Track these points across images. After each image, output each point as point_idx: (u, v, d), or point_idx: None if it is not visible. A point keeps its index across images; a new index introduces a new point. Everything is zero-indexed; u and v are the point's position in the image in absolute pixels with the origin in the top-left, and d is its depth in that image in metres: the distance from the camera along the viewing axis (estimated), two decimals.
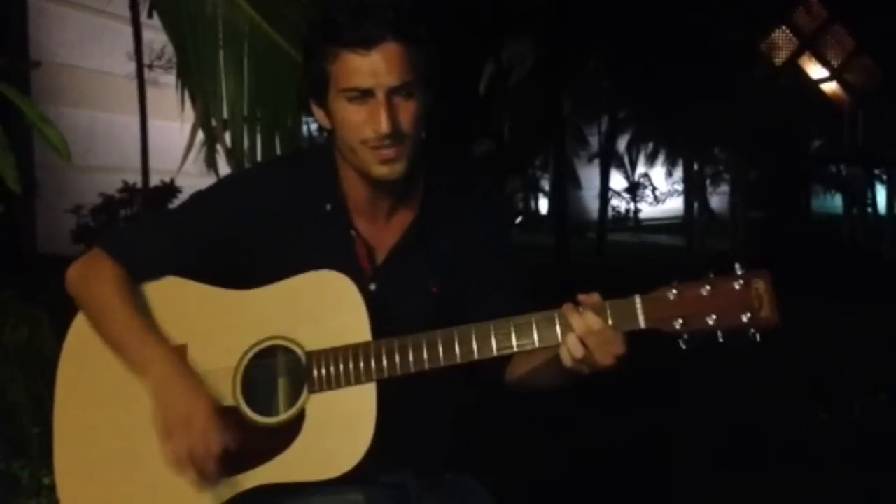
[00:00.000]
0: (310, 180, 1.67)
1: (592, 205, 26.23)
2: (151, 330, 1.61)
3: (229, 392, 1.58)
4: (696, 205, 22.72)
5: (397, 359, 1.51)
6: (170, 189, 10.66)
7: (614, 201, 29.02)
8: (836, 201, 19.28)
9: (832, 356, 5.63)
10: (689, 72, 15.03)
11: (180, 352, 1.61)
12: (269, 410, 1.57)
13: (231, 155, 2.65)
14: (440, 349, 1.50)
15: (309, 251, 1.62)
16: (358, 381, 1.52)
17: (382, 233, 1.66)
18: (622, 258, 16.50)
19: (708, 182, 24.12)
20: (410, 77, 1.52)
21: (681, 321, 1.43)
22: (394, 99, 1.52)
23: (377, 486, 1.60)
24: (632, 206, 31.29)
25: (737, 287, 1.43)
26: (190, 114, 2.70)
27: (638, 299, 1.45)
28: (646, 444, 4.24)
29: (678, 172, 28.14)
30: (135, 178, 11.07)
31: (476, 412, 1.80)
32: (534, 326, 1.48)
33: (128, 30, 11.49)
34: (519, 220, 27.17)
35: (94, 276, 1.65)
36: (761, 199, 15.36)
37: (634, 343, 1.45)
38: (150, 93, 11.13)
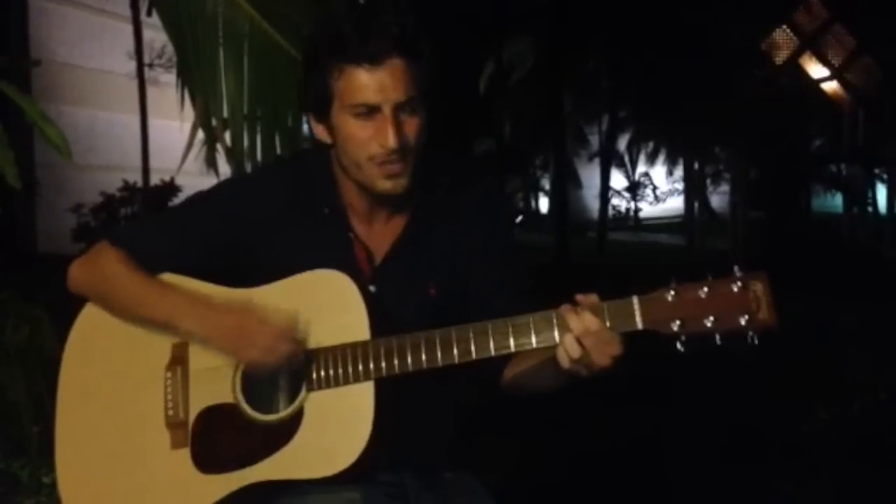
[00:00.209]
0: (308, 183, 1.68)
1: (593, 204, 26.23)
2: (168, 286, 1.63)
3: (229, 389, 1.59)
4: (696, 204, 22.71)
5: (396, 358, 1.52)
6: (170, 188, 10.67)
7: (615, 200, 29.01)
8: (837, 201, 19.28)
9: (832, 356, 5.64)
10: (689, 71, 15.02)
11: (182, 349, 1.63)
12: (268, 408, 1.58)
13: (231, 154, 2.65)
14: (438, 349, 1.51)
15: (308, 253, 1.63)
16: (357, 380, 1.52)
17: (380, 235, 1.67)
18: (622, 257, 16.50)
19: (708, 181, 24.10)
20: (415, 92, 1.53)
21: (678, 323, 1.43)
22: (400, 115, 1.53)
23: (375, 486, 1.60)
24: (632, 205, 31.27)
25: (735, 289, 1.43)
26: (190, 113, 2.70)
27: (636, 300, 1.45)
28: (645, 443, 4.24)
29: (678, 172, 28.13)
30: (135, 177, 11.07)
31: (475, 411, 1.80)
32: (531, 327, 1.48)
33: (128, 29, 11.48)
34: (519, 219, 27.17)
35: (100, 263, 1.67)
36: (762, 199, 15.36)
37: (633, 343, 1.45)
38: (151, 92, 11.12)
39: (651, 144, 29.49)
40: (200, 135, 2.68)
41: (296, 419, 1.54)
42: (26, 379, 3.01)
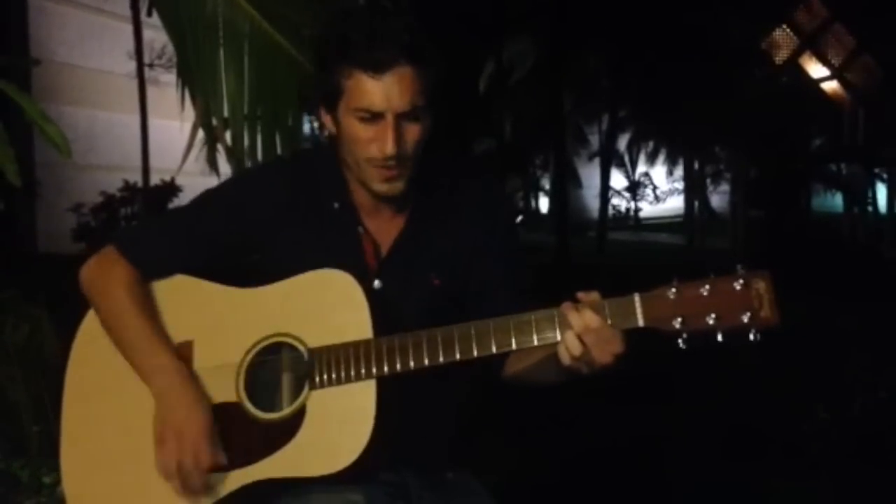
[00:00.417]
0: (314, 180, 1.69)
1: (593, 204, 26.23)
2: (161, 337, 1.63)
3: (232, 388, 1.59)
4: (696, 204, 22.72)
5: (398, 357, 1.52)
6: (170, 188, 10.69)
7: (615, 200, 29.02)
8: (837, 200, 19.28)
9: (832, 356, 5.63)
10: (689, 71, 15.03)
11: (187, 347, 1.64)
12: (272, 406, 1.58)
13: (231, 154, 2.65)
14: (440, 347, 1.51)
15: (317, 249, 1.64)
16: (359, 379, 1.53)
17: (386, 228, 1.68)
18: (622, 257, 16.49)
19: (708, 181, 24.11)
20: (419, 101, 1.53)
21: (680, 320, 1.42)
22: (402, 122, 1.53)
23: (377, 485, 1.60)
24: (632, 204, 31.29)
25: (737, 287, 1.42)
26: (190, 113, 2.70)
27: (637, 298, 1.45)
28: (646, 442, 4.24)
29: (679, 171, 28.15)
30: (135, 177, 11.09)
31: (476, 410, 1.80)
32: (533, 325, 1.48)
33: (128, 28, 11.49)
34: (519, 219, 27.17)
35: (106, 277, 1.67)
36: (762, 198, 15.36)
37: (634, 341, 1.45)
38: (151, 92, 11.14)
39: (651, 144, 29.51)
40: (201, 134, 2.68)
41: (298, 417, 1.54)
42: (26, 378, 3.01)
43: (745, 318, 1.41)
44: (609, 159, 21.72)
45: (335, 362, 1.54)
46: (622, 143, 28.29)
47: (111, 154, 14.90)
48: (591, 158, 27.73)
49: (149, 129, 10.81)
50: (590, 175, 28.33)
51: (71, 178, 13.24)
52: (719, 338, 1.42)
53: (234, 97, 2.61)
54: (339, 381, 1.53)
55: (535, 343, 1.48)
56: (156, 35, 9.69)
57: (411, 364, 1.51)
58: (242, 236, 1.68)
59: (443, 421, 1.71)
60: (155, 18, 2.76)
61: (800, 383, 5.14)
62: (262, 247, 1.68)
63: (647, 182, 31.21)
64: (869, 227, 17.08)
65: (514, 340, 1.49)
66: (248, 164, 2.63)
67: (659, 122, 21.55)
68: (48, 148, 2.48)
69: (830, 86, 15.38)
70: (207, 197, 1.73)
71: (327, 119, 1.62)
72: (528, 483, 3.60)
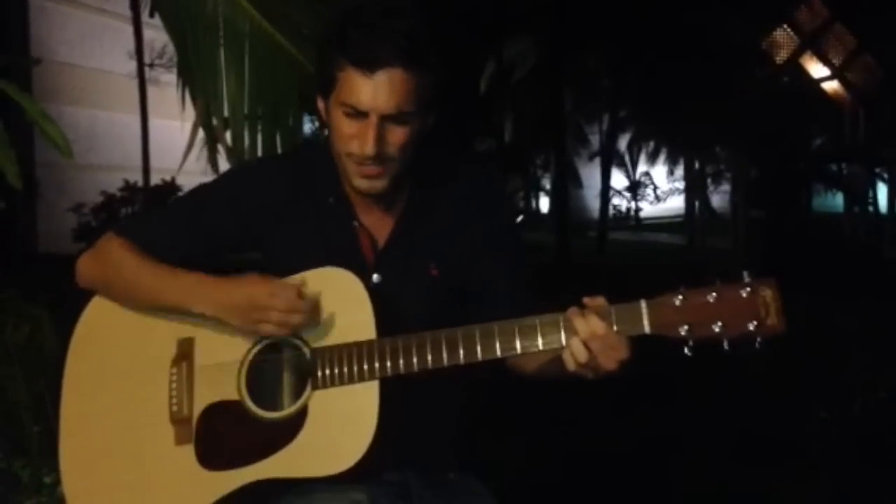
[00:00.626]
0: (310, 174, 1.69)
1: (593, 204, 26.19)
2: (175, 269, 1.62)
3: (234, 386, 1.59)
4: (697, 204, 22.69)
5: (401, 358, 1.52)
6: (171, 188, 10.69)
7: (615, 200, 28.97)
8: (837, 200, 19.25)
9: (832, 356, 5.63)
10: (689, 71, 15.00)
11: (188, 345, 1.63)
12: (273, 405, 1.58)
13: (232, 154, 2.65)
14: (444, 349, 1.50)
15: (313, 244, 1.64)
16: (362, 379, 1.53)
17: (382, 221, 1.68)
18: (623, 257, 16.48)
19: (709, 181, 24.08)
20: (409, 106, 1.52)
21: (686, 328, 1.42)
22: (386, 124, 1.52)
23: (380, 485, 1.60)
24: (633, 204, 31.23)
25: (744, 295, 1.41)
26: (191, 112, 2.70)
27: (643, 304, 1.44)
28: (647, 443, 4.23)
29: (679, 171, 28.11)
30: (136, 177, 11.09)
31: (479, 411, 1.80)
32: (538, 329, 1.47)
33: (128, 28, 11.49)
34: (520, 218, 27.16)
35: (107, 253, 1.67)
36: (762, 198, 15.34)
37: (638, 345, 1.44)
38: (151, 91, 11.13)
39: (651, 144, 29.47)
40: (201, 134, 2.69)
41: (300, 417, 1.54)
42: (27, 378, 3.01)
43: (752, 327, 1.40)
44: (609, 159, 21.68)
45: (338, 362, 1.54)
46: (623, 142, 28.25)
47: (112, 154, 14.90)
48: (591, 158, 27.70)
49: (149, 128, 10.81)
50: (590, 175, 28.29)
51: (71, 178, 13.24)
52: (725, 346, 1.42)
53: (234, 97, 2.61)
54: (341, 382, 1.53)
55: (540, 347, 1.48)
56: (156, 35, 9.69)
57: (414, 365, 1.51)
58: (240, 228, 1.67)
59: (445, 421, 1.71)
60: (155, 18, 2.77)
61: (800, 383, 5.13)
62: (260, 241, 1.68)
63: (647, 182, 31.17)
64: (870, 226, 17.05)
65: (518, 344, 1.48)
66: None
67: (659, 122, 21.51)
68: (48, 148, 2.48)
69: (831, 86, 15.36)
70: (206, 188, 1.72)
71: (322, 106, 1.61)
72: (532, 484, 3.60)
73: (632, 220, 30.69)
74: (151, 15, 2.84)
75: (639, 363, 1.46)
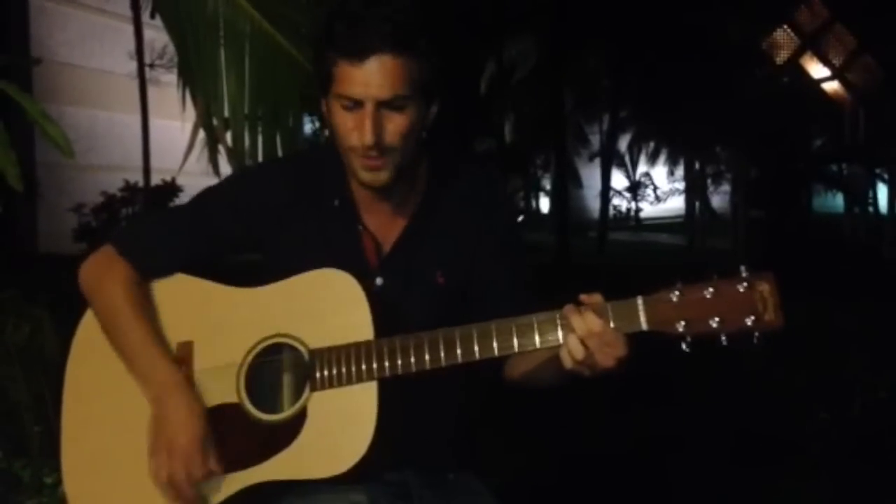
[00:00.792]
0: (316, 177, 1.69)
1: (593, 204, 26.19)
2: (157, 342, 1.62)
3: (233, 389, 1.59)
4: (697, 204, 22.68)
5: (399, 358, 1.52)
6: (171, 188, 10.68)
7: (615, 200, 28.97)
8: (838, 200, 19.24)
9: (832, 356, 5.63)
10: (690, 71, 15.00)
11: (187, 348, 1.63)
12: (272, 407, 1.58)
13: (232, 154, 2.65)
14: (441, 349, 1.50)
15: (317, 247, 1.64)
16: (360, 380, 1.52)
17: (388, 226, 1.67)
18: (623, 257, 16.47)
19: (709, 181, 24.07)
20: (403, 90, 1.51)
21: (683, 323, 1.41)
22: (382, 111, 1.52)
23: (379, 486, 1.60)
24: (633, 205, 31.22)
25: (741, 289, 1.41)
26: (191, 113, 2.71)
27: (640, 301, 1.44)
28: (646, 443, 4.24)
29: (679, 171, 28.09)
30: (136, 177, 11.07)
31: (478, 411, 1.80)
32: (535, 327, 1.47)
33: (129, 29, 11.47)
34: (520, 218, 27.16)
35: (104, 277, 1.66)
36: (762, 199, 15.33)
37: (636, 343, 1.44)
38: (152, 92, 11.12)
39: (652, 144, 29.45)
40: (201, 135, 2.69)
41: (299, 419, 1.54)
42: (27, 378, 3.01)
43: (749, 322, 1.40)
44: (610, 159, 21.68)
45: (336, 363, 1.53)
46: (623, 143, 28.23)
47: (112, 154, 14.89)
48: (591, 158, 27.69)
49: (150, 129, 10.79)
50: (590, 175, 28.28)
51: (72, 179, 13.24)
52: (723, 341, 1.41)
53: (234, 97, 2.62)
54: (339, 383, 1.53)
55: (538, 345, 1.47)
56: (156, 35, 9.67)
57: (412, 365, 1.51)
58: (243, 232, 1.67)
59: (444, 421, 1.71)
60: (156, 18, 2.77)
61: (800, 383, 5.13)
62: (262, 244, 1.68)
63: (647, 182, 31.16)
64: (870, 227, 17.04)
65: (515, 342, 1.48)
66: (249, 164, 2.64)
67: (659, 122, 21.49)
68: (49, 148, 2.48)
69: (831, 86, 15.36)
70: (208, 193, 1.72)
71: (324, 104, 1.62)
72: (531, 484, 3.60)
73: (632, 221, 30.68)
74: (152, 16, 2.84)
75: (638, 362, 1.46)
